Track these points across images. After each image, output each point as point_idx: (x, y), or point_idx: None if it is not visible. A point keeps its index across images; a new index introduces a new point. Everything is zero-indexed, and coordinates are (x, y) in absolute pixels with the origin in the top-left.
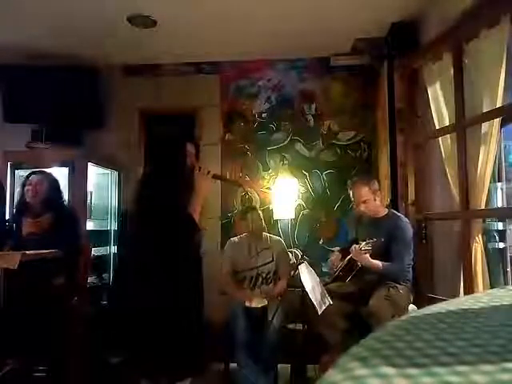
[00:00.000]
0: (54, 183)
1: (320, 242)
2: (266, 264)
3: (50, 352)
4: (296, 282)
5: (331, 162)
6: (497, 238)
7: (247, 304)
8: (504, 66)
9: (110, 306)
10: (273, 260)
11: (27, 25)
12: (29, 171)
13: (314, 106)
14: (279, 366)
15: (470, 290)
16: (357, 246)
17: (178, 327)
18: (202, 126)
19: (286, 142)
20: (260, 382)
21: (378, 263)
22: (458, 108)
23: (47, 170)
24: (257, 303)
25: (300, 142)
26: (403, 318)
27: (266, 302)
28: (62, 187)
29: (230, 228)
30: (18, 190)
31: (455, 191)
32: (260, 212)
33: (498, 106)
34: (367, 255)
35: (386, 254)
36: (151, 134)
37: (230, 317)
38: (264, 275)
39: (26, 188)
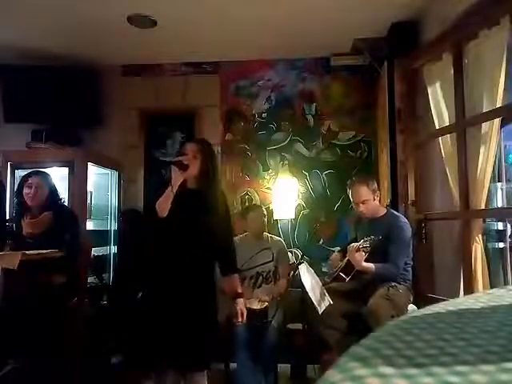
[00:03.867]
0: (52, 184)
1: (320, 242)
2: (265, 263)
3: (50, 352)
4: (296, 282)
5: (331, 162)
6: (497, 238)
7: (247, 305)
8: (504, 66)
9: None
10: (273, 259)
11: (27, 25)
12: (28, 171)
13: (314, 106)
14: (279, 365)
15: (469, 290)
16: (354, 244)
17: (196, 321)
18: (202, 126)
19: (285, 142)
20: (260, 382)
21: (370, 266)
22: (457, 108)
23: (45, 171)
24: (257, 305)
25: (300, 142)
26: (403, 317)
27: (266, 304)
28: (57, 186)
29: None
30: (16, 189)
31: (455, 191)
32: (264, 210)
33: (497, 106)
34: (361, 259)
35: (384, 253)
36: (151, 134)
37: (231, 317)
38: (264, 274)
39: (26, 191)
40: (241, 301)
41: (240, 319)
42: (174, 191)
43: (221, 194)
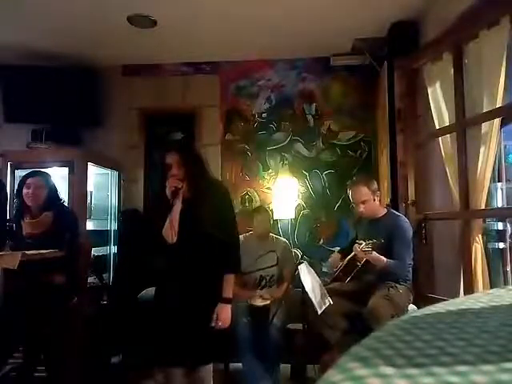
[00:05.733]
0: (52, 184)
1: (320, 242)
2: (270, 267)
3: (50, 352)
4: (296, 282)
5: (331, 162)
6: (497, 238)
7: (250, 302)
8: (504, 66)
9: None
10: (277, 263)
11: (27, 25)
12: (28, 171)
13: (314, 106)
14: (280, 366)
15: (469, 290)
16: (355, 247)
17: (201, 316)
18: (202, 126)
19: (285, 142)
20: (263, 380)
21: (382, 258)
22: (457, 108)
23: (45, 171)
24: (260, 302)
25: (300, 142)
26: (403, 317)
27: (269, 302)
28: (58, 186)
29: None
30: (15, 189)
31: (455, 191)
32: (270, 213)
33: (498, 106)
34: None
35: (386, 253)
36: (151, 134)
37: (233, 314)
38: (268, 278)
39: (26, 191)
40: (223, 307)
41: (214, 324)
42: (178, 217)
43: (219, 192)
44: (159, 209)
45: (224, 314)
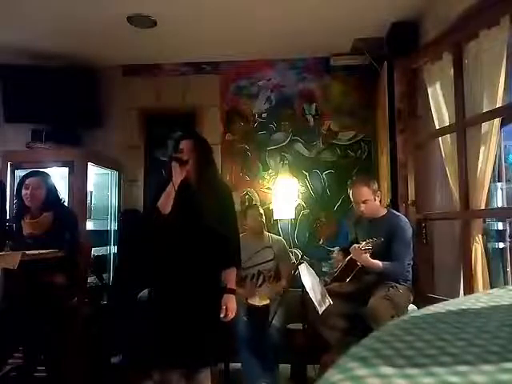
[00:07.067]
0: (51, 184)
1: (320, 242)
2: (267, 262)
3: (50, 352)
4: (296, 282)
5: (331, 162)
6: (497, 238)
7: (250, 301)
8: (504, 65)
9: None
10: (274, 258)
11: (27, 25)
12: (28, 171)
13: (313, 106)
14: (279, 366)
15: (470, 290)
16: (357, 245)
17: (199, 319)
18: (202, 126)
19: (285, 142)
20: (262, 379)
21: (377, 263)
22: (457, 108)
23: (44, 171)
24: (259, 301)
25: (300, 142)
26: (403, 317)
27: (269, 301)
28: (57, 186)
29: None
30: (15, 189)
31: (455, 191)
32: (260, 209)
33: (498, 106)
34: (367, 255)
35: (385, 253)
36: (151, 134)
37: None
38: (266, 273)
39: (24, 192)
40: (229, 297)
41: (223, 315)
42: (176, 187)
43: (222, 186)
44: (160, 186)
45: (231, 304)
